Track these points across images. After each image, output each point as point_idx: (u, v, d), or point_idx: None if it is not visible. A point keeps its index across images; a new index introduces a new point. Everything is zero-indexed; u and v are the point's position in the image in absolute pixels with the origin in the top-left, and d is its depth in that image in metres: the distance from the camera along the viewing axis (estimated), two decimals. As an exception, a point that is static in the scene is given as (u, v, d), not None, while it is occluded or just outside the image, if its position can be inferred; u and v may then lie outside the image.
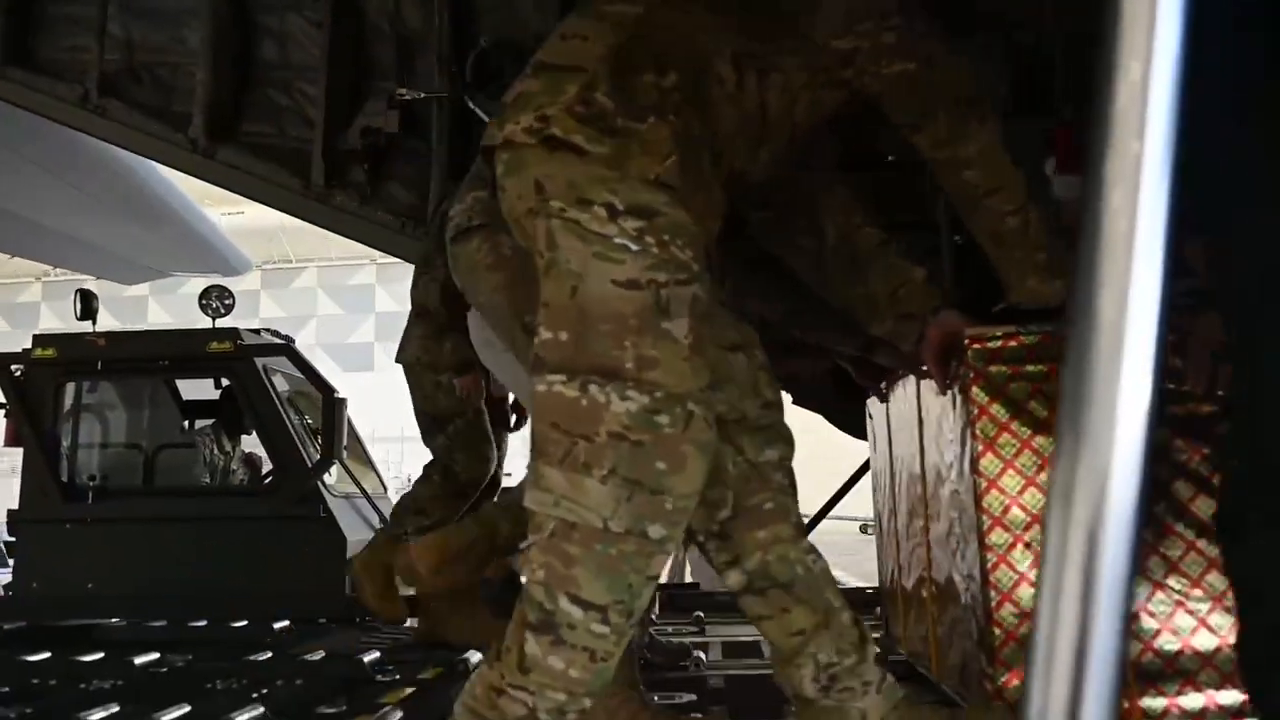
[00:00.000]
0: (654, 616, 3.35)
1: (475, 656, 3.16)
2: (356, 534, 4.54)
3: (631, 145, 1.43)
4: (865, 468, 4.34)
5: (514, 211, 1.52)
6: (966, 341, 1.81)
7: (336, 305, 29.61)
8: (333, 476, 4.89)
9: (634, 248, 1.39)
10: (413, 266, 4.25)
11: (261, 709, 2.38)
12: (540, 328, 1.44)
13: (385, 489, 5.35)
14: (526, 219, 1.49)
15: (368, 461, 5.60)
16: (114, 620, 3.89)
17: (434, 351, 3.46)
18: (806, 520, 4.24)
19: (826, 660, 1.65)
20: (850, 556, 4.51)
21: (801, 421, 3.39)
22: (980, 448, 1.78)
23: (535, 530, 1.40)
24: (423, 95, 4.59)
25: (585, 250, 1.40)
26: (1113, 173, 0.65)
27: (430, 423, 3.53)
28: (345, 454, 4.90)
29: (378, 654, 3.17)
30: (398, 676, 2.88)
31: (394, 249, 4.65)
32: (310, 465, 4.61)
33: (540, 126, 1.45)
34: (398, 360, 3.70)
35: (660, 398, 1.35)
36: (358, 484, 4.91)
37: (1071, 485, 0.64)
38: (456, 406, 3.44)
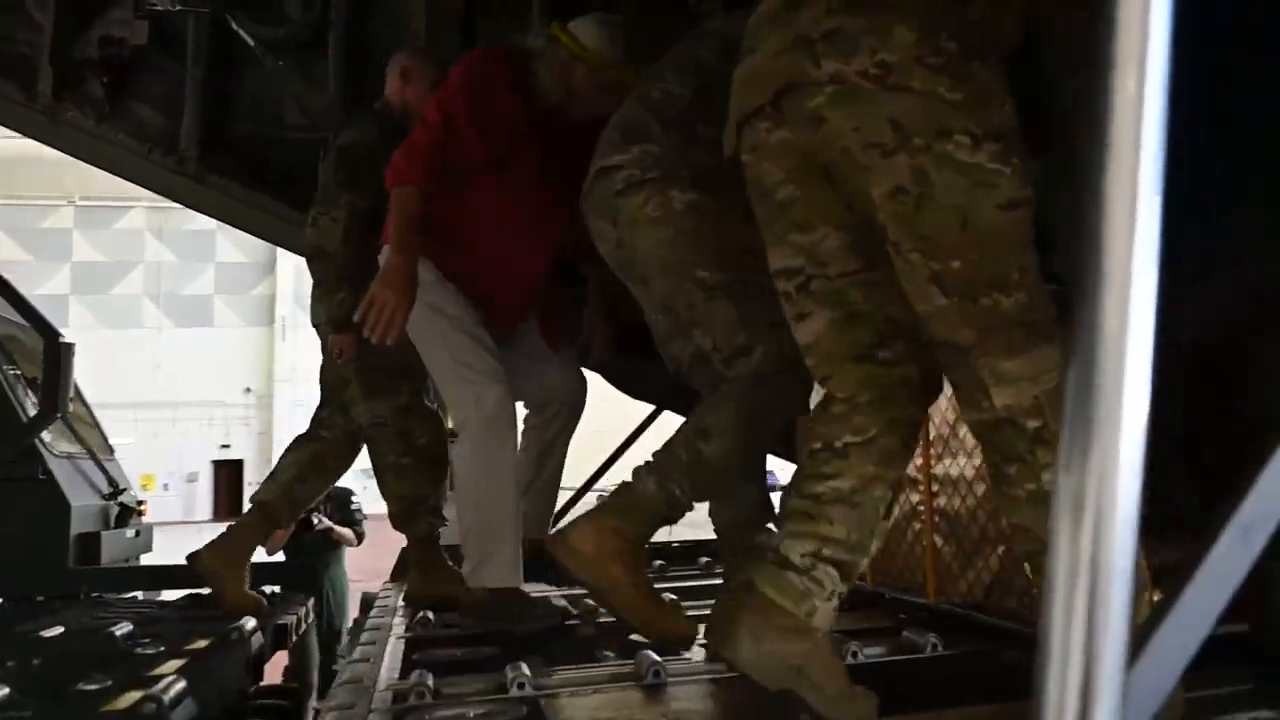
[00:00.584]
0: None
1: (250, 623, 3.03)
2: (81, 499, 4.01)
3: (980, 89, 1.47)
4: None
5: (842, 144, 1.51)
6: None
7: (171, 252, 25.93)
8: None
9: (1006, 170, 1.45)
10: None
11: (6, 689, 2.10)
12: (927, 259, 1.48)
13: (112, 451, 4.75)
14: (867, 154, 1.48)
15: (92, 419, 4.96)
16: None
17: (327, 304, 3.09)
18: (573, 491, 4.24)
19: None
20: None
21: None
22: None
23: (1029, 415, 1.45)
24: (178, 8, 4.08)
25: (965, 182, 1.44)
26: (1112, 187, 0.68)
27: (385, 378, 3.13)
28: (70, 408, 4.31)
29: (129, 626, 2.87)
30: (162, 648, 2.64)
31: (139, 176, 4.12)
32: (26, 420, 4.00)
33: (881, 74, 1.45)
34: (313, 322, 3.28)
35: (1037, 292, 1.48)
36: (83, 443, 4.33)
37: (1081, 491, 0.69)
38: (414, 361, 2.87)
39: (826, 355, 1.66)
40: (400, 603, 3.04)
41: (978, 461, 2.19)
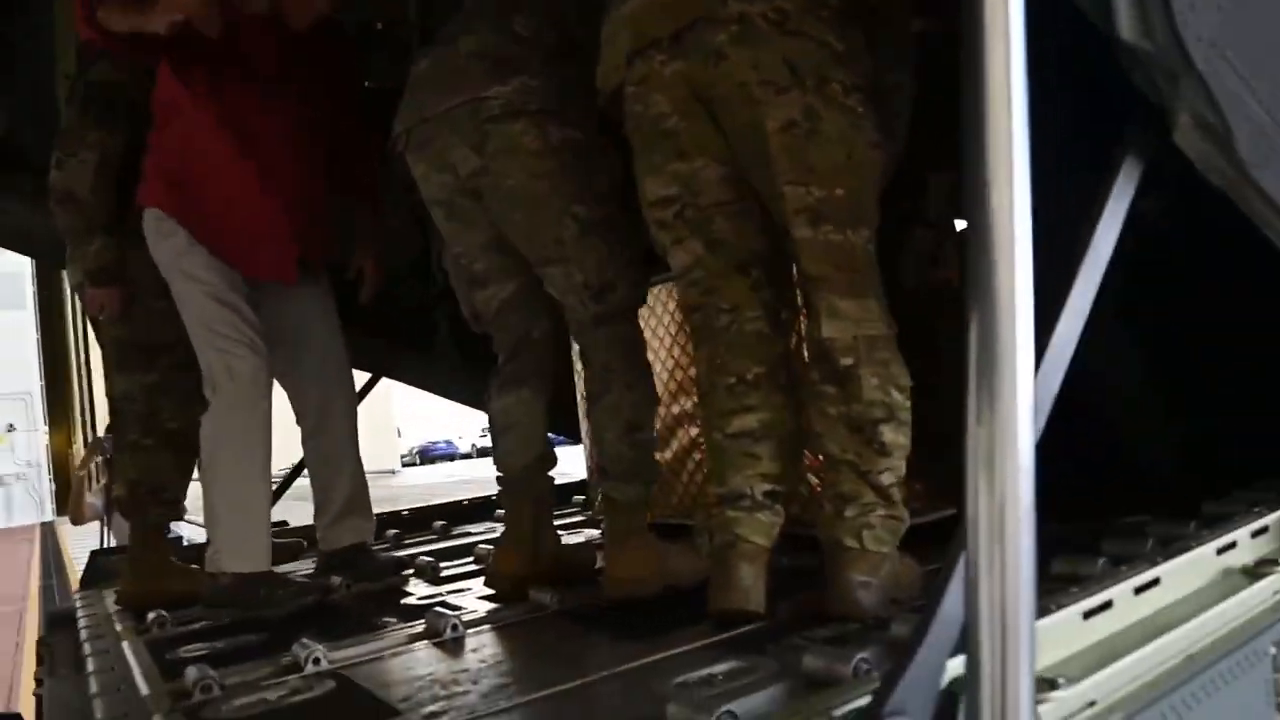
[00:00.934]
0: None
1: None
2: None
3: (853, 46, 1.65)
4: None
5: (740, 78, 1.63)
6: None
7: None
8: None
9: (868, 116, 1.66)
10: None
11: None
12: (808, 187, 1.64)
13: None
14: (764, 90, 1.62)
15: None
16: None
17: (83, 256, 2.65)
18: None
19: None
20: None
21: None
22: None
23: (845, 352, 1.65)
24: None
25: (845, 121, 1.63)
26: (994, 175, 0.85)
27: (140, 355, 2.76)
28: None
29: None
30: None
31: None
32: None
33: (780, 20, 1.59)
34: (72, 285, 2.79)
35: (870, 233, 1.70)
36: None
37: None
38: (178, 337, 2.54)
39: (711, 269, 1.79)
40: (113, 608, 2.70)
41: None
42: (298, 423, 2.74)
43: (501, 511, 3.77)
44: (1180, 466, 2.31)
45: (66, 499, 26.72)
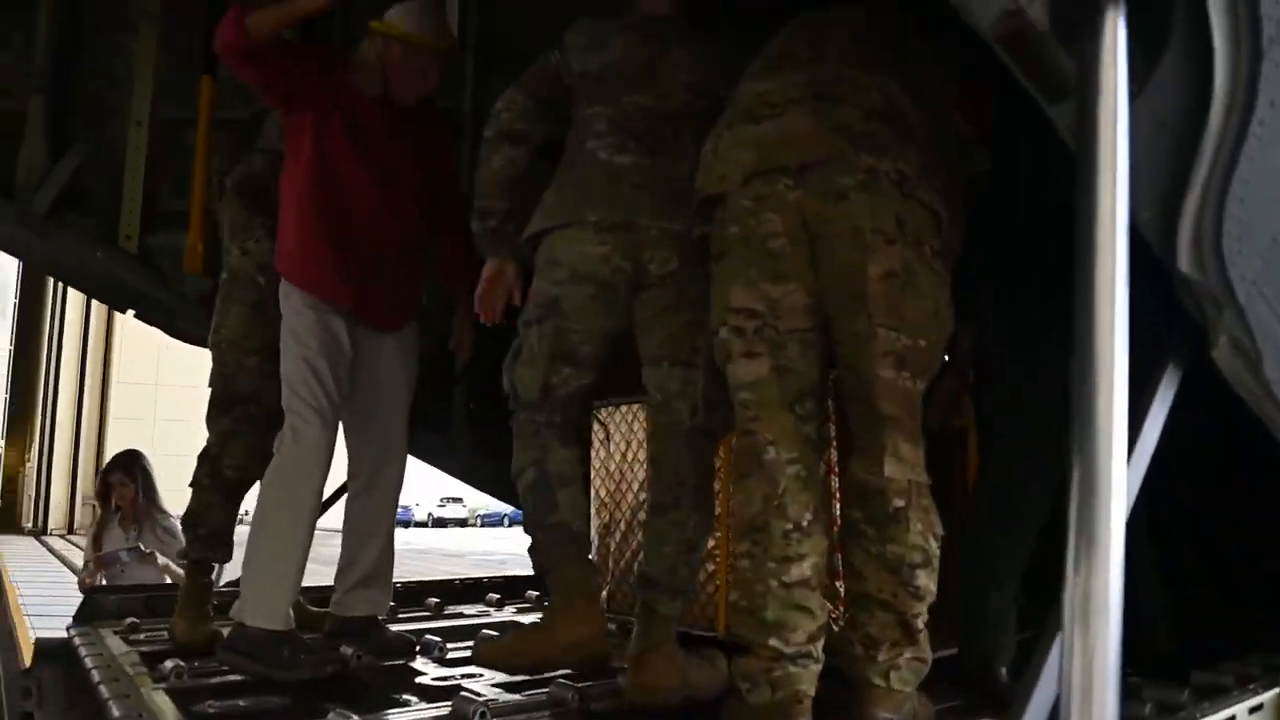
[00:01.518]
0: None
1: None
2: None
3: (951, 217, 1.88)
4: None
5: (856, 222, 1.77)
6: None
7: None
8: None
9: (947, 281, 1.87)
10: None
11: None
12: (899, 334, 1.78)
13: None
14: (875, 238, 1.77)
15: None
16: None
17: (255, 330, 2.87)
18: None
19: None
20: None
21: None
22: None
23: (898, 494, 1.78)
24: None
25: (933, 279, 1.82)
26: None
27: (222, 403, 2.95)
28: None
29: None
30: None
31: None
32: None
33: (899, 180, 1.77)
34: (213, 339, 3.00)
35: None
36: None
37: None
38: (257, 390, 2.87)
39: (763, 398, 1.85)
40: (120, 649, 2.73)
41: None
42: (348, 480, 2.85)
43: (495, 596, 3.88)
44: (1169, 631, 2.44)
45: (13, 515, 25.88)
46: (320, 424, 2.52)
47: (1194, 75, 1.18)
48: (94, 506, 4.19)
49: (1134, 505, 1.58)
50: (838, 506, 2.24)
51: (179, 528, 3.48)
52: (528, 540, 2.29)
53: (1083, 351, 1.02)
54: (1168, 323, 1.49)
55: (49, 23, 3.69)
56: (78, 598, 3.92)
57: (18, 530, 26.28)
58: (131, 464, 4.39)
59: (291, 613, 2.50)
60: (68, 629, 3.21)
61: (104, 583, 4.06)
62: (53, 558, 18.09)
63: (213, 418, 2.98)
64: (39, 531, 26.09)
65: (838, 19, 1.95)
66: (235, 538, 2.94)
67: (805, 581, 1.79)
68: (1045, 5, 1.10)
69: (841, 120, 1.77)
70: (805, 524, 1.81)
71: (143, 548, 4.17)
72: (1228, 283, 1.34)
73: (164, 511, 4.35)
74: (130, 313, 3.95)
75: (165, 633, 2.95)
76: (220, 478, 2.92)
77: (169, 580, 4.06)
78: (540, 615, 2.75)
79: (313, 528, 2.54)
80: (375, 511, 2.80)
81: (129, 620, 3.14)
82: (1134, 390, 1.47)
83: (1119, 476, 1.00)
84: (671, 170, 2.11)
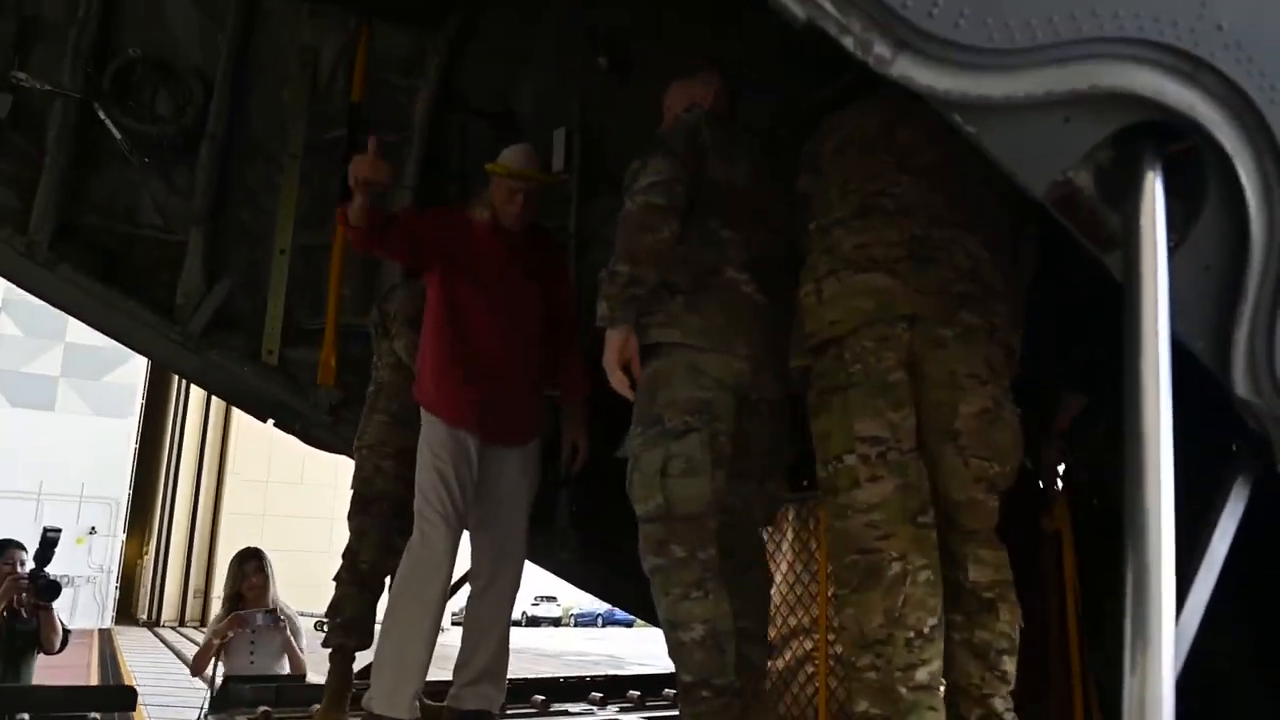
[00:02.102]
0: None
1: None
2: None
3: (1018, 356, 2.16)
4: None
5: (952, 367, 2.00)
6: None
7: (14, 326, 23.06)
8: None
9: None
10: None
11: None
12: (991, 463, 2.01)
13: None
14: (969, 380, 1.99)
15: None
16: None
17: (392, 437, 3.31)
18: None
19: None
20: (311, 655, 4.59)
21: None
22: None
23: (987, 588, 1.98)
24: (49, 88, 3.96)
25: (1012, 409, 2.07)
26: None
27: (360, 502, 3.38)
28: None
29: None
30: None
31: (-21, 255, 3.84)
32: None
33: (991, 330, 2.03)
34: (356, 444, 3.44)
35: None
36: None
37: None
38: (389, 491, 3.28)
39: (891, 515, 1.95)
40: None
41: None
42: (469, 580, 3.06)
43: (598, 695, 3.99)
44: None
45: (128, 605, 26.88)
46: (446, 529, 2.76)
47: (1233, 224, 1.33)
48: (202, 599, 4.45)
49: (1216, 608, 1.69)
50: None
51: (296, 616, 3.82)
52: (683, 681, 2.24)
53: (1134, 472, 1.17)
54: (1237, 440, 1.60)
55: (208, 164, 4.17)
56: (191, 687, 4.21)
57: (133, 621, 27.37)
58: (261, 556, 4.71)
59: (417, 703, 2.70)
60: (205, 716, 3.48)
61: (230, 636, 4.33)
62: (165, 649, 18.76)
63: (352, 515, 3.34)
64: (153, 623, 27.11)
65: (907, 157, 2.11)
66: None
67: (926, 685, 1.88)
68: (1091, 172, 1.28)
69: (939, 281, 2.00)
70: (928, 630, 1.90)
71: (279, 615, 4.43)
72: (1284, 404, 1.46)
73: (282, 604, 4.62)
74: (270, 421, 4.32)
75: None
76: (356, 570, 3.25)
77: (289, 659, 4.36)
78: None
79: (438, 623, 2.75)
80: (491, 611, 2.99)
81: (261, 709, 3.40)
82: (1205, 502, 1.59)
83: (1168, 584, 1.13)
84: (786, 314, 2.26)
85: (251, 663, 4.32)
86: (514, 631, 3.16)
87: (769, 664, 3.03)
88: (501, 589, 3.00)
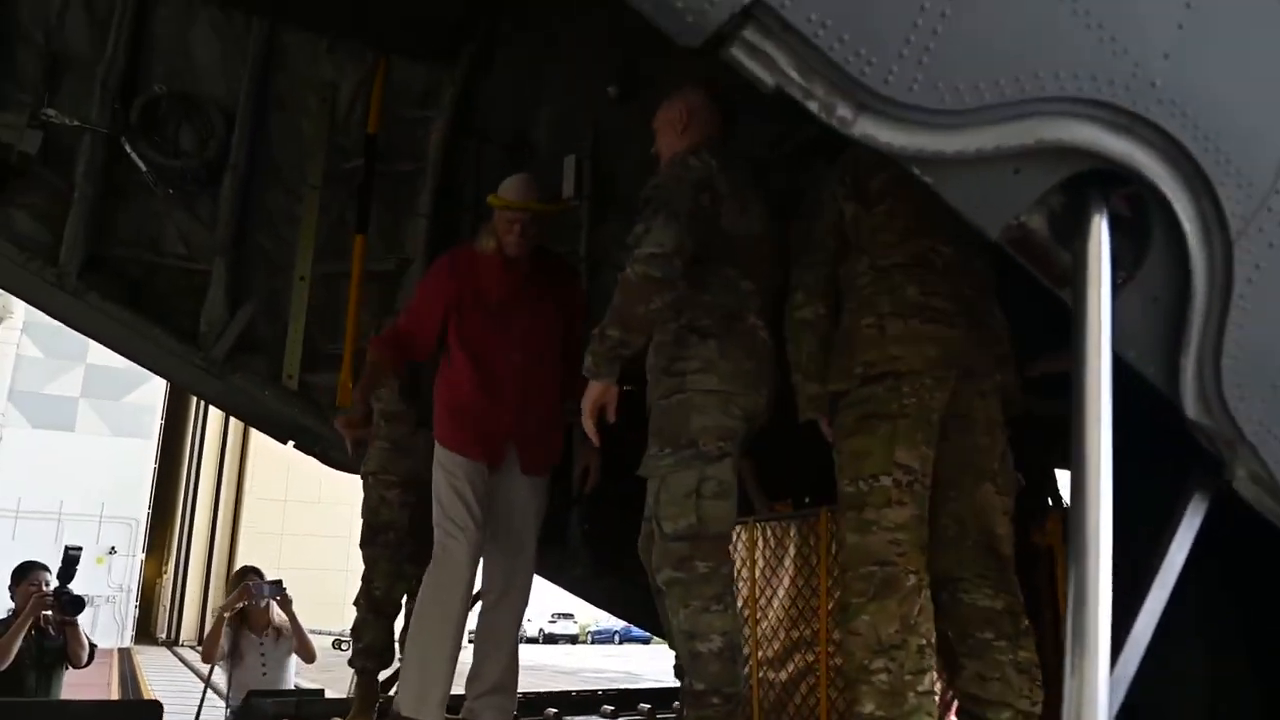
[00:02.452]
0: None
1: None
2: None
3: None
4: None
5: (992, 414, 2.28)
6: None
7: (35, 347, 23.62)
8: None
9: None
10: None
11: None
12: (1009, 498, 2.29)
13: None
14: (998, 429, 2.30)
15: None
16: None
17: (394, 464, 3.50)
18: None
19: None
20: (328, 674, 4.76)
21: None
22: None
23: (1020, 615, 2.19)
24: (77, 123, 4.13)
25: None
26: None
27: (369, 531, 3.55)
28: None
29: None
30: None
31: (16, 285, 4.01)
32: None
33: (1010, 389, 2.35)
34: (362, 472, 3.62)
35: None
36: None
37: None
38: (395, 520, 3.48)
39: (910, 538, 2.16)
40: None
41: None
42: (481, 596, 3.18)
43: (609, 708, 4.11)
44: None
45: (147, 624, 27.17)
46: (465, 540, 2.90)
47: (1176, 260, 1.45)
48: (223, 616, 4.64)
49: (1185, 617, 1.79)
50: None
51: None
52: (696, 687, 2.35)
53: (1077, 490, 1.28)
54: (1192, 459, 1.71)
55: (231, 195, 4.34)
56: (211, 705, 4.37)
57: (151, 640, 27.58)
58: (259, 573, 4.87)
59: (443, 705, 2.84)
60: (223, 730, 3.62)
61: (240, 606, 4.53)
62: (185, 667, 18.91)
63: (363, 545, 3.52)
64: (172, 642, 27.32)
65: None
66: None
67: (931, 691, 2.10)
68: (1044, 216, 1.40)
69: (988, 340, 2.29)
70: (932, 640, 2.13)
71: (286, 592, 4.63)
72: (1235, 425, 1.57)
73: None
74: (290, 444, 4.47)
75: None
76: (371, 598, 3.43)
77: (300, 646, 4.63)
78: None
79: (462, 629, 2.90)
80: (502, 626, 3.11)
81: (283, 721, 3.54)
82: (1164, 518, 1.70)
83: (1105, 596, 1.24)
84: (781, 345, 2.50)
85: (264, 674, 4.50)
86: (531, 649, 3.31)
87: (773, 675, 3.16)
88: (512, 603, 3.11)
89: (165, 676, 16.74)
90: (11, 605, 4.38)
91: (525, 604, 3.19)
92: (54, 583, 4.47)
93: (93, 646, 4.54)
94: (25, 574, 4.49)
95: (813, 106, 1.23)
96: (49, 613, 4.34)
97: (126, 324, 4.09)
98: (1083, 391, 1.33)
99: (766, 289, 2.53)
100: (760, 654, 3.23)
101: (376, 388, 3.20)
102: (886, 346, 2.21)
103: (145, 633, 28.15)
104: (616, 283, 2.39)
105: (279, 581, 4.66)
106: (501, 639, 3.10)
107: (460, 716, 3.18)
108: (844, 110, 1.23)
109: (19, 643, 4.14)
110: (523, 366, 3.09)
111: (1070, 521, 1.29)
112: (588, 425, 2.42)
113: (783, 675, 3.09)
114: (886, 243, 2.29)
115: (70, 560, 4.45)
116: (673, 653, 2.62)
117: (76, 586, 4.46)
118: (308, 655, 4.73)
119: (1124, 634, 1.55)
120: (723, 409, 2.40)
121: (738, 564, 3.44)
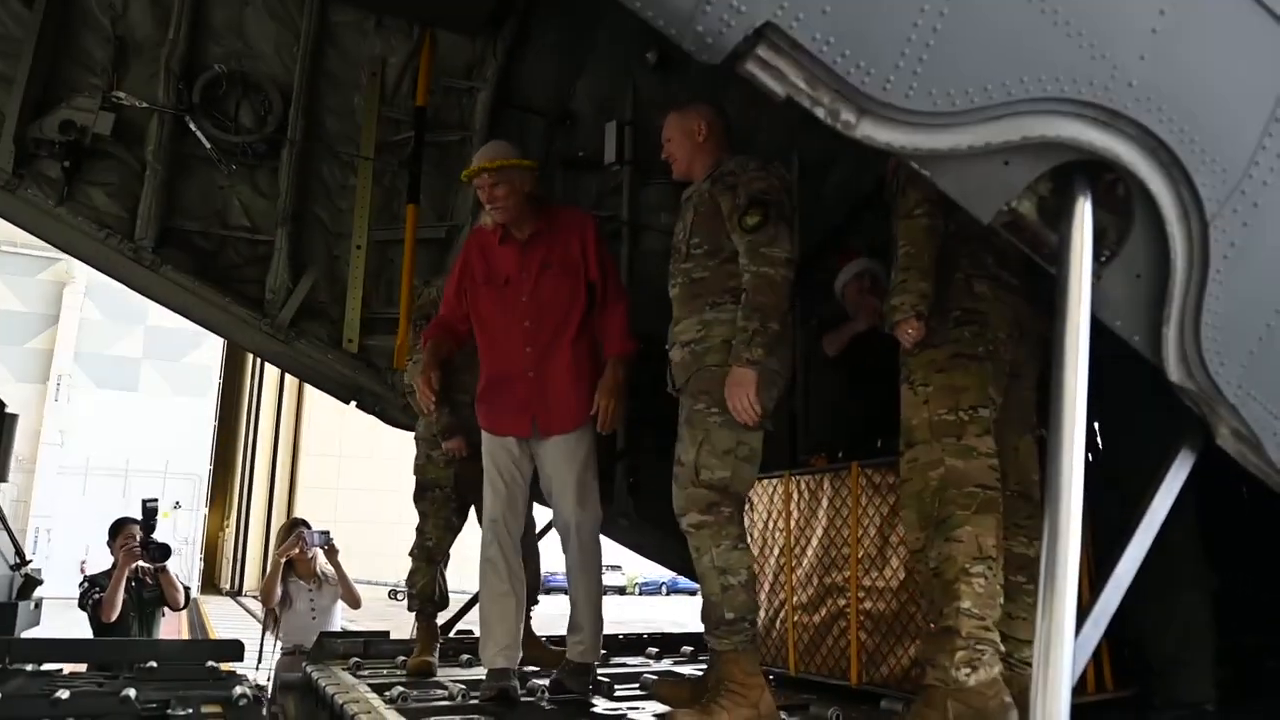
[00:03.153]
0: None
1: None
2: (0, 568, 4.02)
3: None
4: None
5: (1038, 367, 2.57)
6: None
7: (98, 310, 24.59)
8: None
9: None
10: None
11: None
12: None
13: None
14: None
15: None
16: None
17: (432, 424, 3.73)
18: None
19: None
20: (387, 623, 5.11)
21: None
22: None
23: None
24: (144, 104, 4.38)
25: None
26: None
27: (419, 488, 3.87)
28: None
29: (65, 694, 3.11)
30: (189, 710, 3.01)
31: (96, 259, 4.30)
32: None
33: None
34: (415, 436, 3.97)
35: None
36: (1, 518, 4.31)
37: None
38: (440, 478, 3.78)
39: (997, 468, 2.41)
40: (351, 680, 3.40)
41: (898, 573, 2.95)
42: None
43: (654, 650, 4.36)
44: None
45: (212, 576, 28.23)
46: (495, 496, 3.21)
47: (1157, 240, 1.59)
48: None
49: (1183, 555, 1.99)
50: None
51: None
52: (722, 614, 2.63)
53: (1054, 448, 1.45)
54: (1180, 418, 1.86)
55: (289, 168, 4.58)
56: (270, 652, 4.75)
57: (216, 591, 28.73)
58: (306, 524, 5.17)
59: (506, 654, 3.11)
60: (304, 666, 3.92)
61: (296, 552, 4.86)
62: (250, 617, 19.75)
63: (415, 500, 3.83)
64: (235, 592, 28.43)
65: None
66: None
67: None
68: (1033, 201, 1.56)
69: (1032, 317, 2.55)
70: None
71: (333, 541, 4.96)
72: (1217, 388, 1.72)
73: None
74: (353, 404, 4.75)
75: (384, 669, 3.63)
76: (424, 548, 3.76)
77: (345, 593, 4.95)
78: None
79: (507, 602, 3.16)
80: (573, 565, 3.30)
81: (353, 659, 3.84)
82: (1154, 473, 1.86)
83: (1075, 541, 1.42)
84: None
85: (313, 618, 4.83)
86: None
87: (807, 618, 3.38)
88: (573, 554, 3.28)
89: (231, 624, 17.55)
90: (112, 559, 4.76)
91: (588, 553, 3.29)
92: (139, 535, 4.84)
93: (187, 589, 4.93)
94: (119, 529, 4.87)
95: (819, 113, 1.39)
96: (141, 563, 4.71)
97: (198, 293, 4.37)
98: (1062, 354, 1.49)
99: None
100: (795, 599, 3.44)
101: (438, 365, 3.31)
102: (976, 301, 2.47)
103: (210, 583, 29.32)
104: (758, 281, 2.63)
105: (327, 532, 4.96)
106: (575, 579, 3.30)
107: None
108: (847, 115, 1.40)
109: (120, 594, 4.54)
110: (535, 335, 3.19)
111: (1048, 481, 1.47)
112: (749, 406, 2.59)
113: (816, 619, 3.30)
114: (966, 216, 2.51)
115: (150, 513, 4.81)
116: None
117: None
118: (353, 601, 5.04)
119: (1108, 573, 1.73)
120: (766, 392, 2.65)
121: (775, 515, 3.65)
